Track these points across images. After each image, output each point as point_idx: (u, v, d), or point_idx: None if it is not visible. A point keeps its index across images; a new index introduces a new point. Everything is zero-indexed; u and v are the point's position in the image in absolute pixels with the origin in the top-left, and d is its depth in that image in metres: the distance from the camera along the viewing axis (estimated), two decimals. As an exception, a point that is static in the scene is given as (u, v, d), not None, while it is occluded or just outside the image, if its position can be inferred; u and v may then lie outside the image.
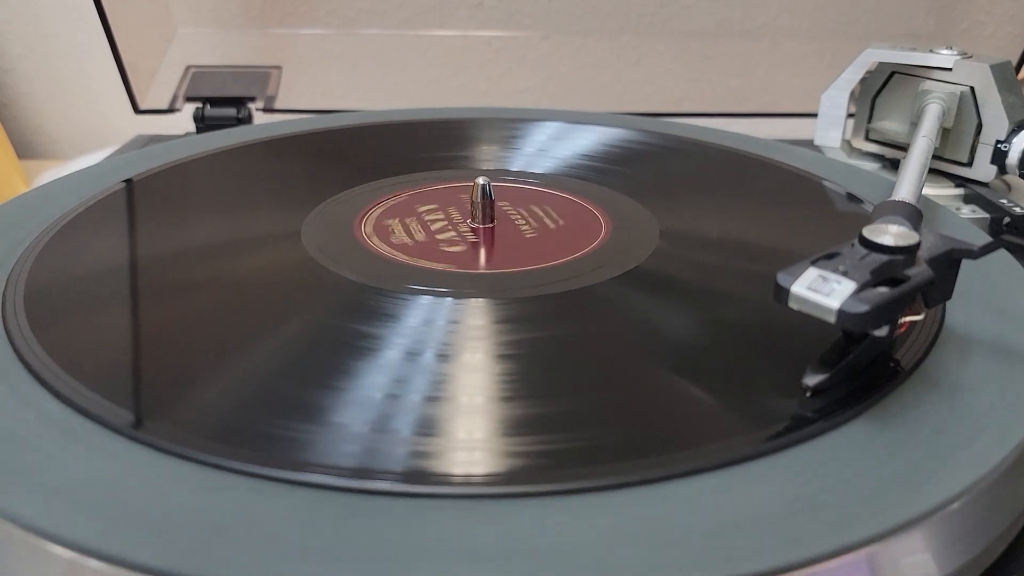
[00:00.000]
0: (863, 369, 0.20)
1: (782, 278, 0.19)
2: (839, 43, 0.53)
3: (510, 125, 0.41)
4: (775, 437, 0.18)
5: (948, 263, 0.21)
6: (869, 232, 0.20)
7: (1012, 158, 0.37)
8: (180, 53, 0.52)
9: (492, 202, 0.30)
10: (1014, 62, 0.40)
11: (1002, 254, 0.27)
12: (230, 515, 0.16)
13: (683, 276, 0.26)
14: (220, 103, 0.49)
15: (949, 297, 0.21)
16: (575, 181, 0.34)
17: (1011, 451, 0.18)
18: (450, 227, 0.30)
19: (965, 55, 0.38)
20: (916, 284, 0.19)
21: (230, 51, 0.53)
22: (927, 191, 0.37)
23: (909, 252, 0.19)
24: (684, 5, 0.55)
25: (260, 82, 0.51)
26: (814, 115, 0.42)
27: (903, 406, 0.20)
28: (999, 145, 0.37)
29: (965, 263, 0.21)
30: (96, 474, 0.17)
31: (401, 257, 0.27)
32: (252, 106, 0.50)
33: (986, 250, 0.20)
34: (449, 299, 0.24)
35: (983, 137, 0.37)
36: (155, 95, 0.50)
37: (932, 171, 0.39)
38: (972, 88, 0.37)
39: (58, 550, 0.15)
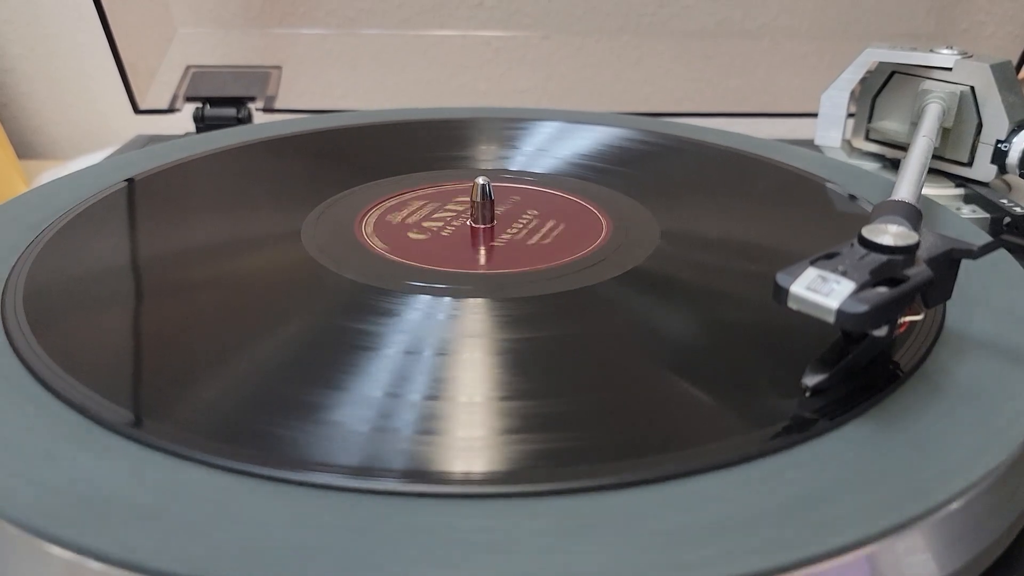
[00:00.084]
0: (862, 369, 0.20)
1: (781, 278, 0.19)
2: (839, 43, 0.53)
3: (510, 125, 0.41)
4: (775, 437, 0.18)
5: (948, 263, 0.21)
6: (868, 232, 0.20)
7: (1012, 158, 0.36)
8: (180, 53, 0.52)
9: (492, 202, 0.30)
10: (1014, 62, 0.40)
11: (1002, 254, 0.27)
12: (230, 515, 0.16)
13: (683, 276, 0.26)
14: (220, 103, 0.49)
15: (949, 297, 0.21)
16: (575, 181, 0.34)
17: (1011, 451, 0.18)
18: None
19: (965, 55, 0.38)
20: (915, 284, 0.19)
21: (230, 51, 0.53)
22: (927, 191, 0.37)
23: (908, 252, 0.19)
24: (684, 5, 0.55)
25: (260, 82, 0.51)
26: (814, 115, 0.42)
27: (903, 406, 0.20)
28: (999, 145, 0.37)
29: (965, 263, 0.21)
30: (96, 474, 0.17)
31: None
32: (252, 106, 0.50)
33: (986, 250, 0.20)
34: (448, 299, 0.24)
35: (983, 137, 0.37)
36: (155, 95, 0.50)
37: (932, 171, 0.39)
38: (972, 88, 0.37)
39: (57, 550, 0.15)
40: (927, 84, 0.38)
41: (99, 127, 0.63)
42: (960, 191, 0.39)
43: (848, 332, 0.20)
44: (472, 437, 0.18)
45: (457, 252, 0.28)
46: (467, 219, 0.30)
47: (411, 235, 0.29)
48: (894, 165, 0.41)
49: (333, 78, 0.55)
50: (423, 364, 0.21)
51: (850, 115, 0.42)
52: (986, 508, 0.18)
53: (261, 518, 0.16)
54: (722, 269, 0.27)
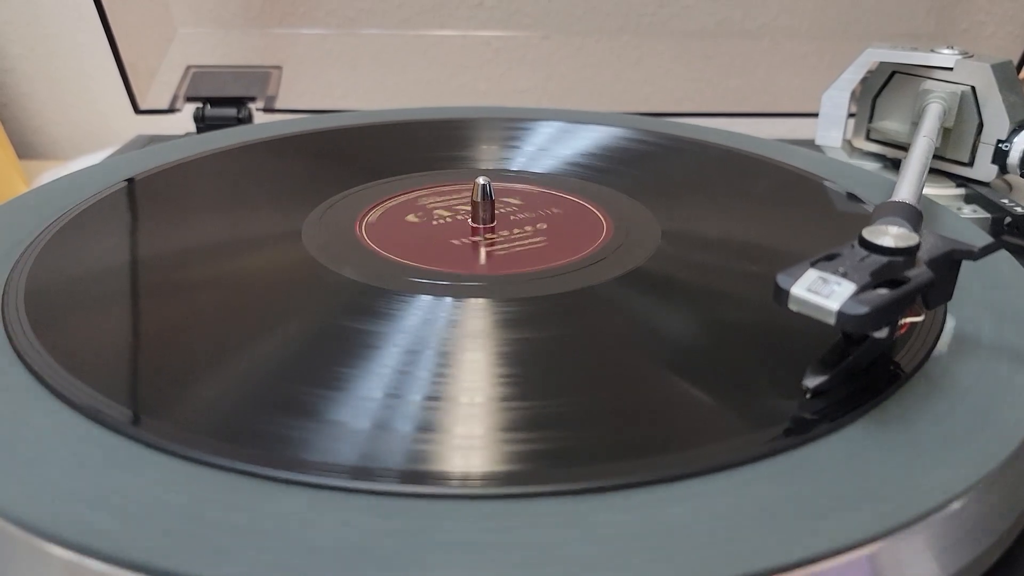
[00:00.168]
0: (863, 371, 0.20)
1: (782, 280, 0.19)
2: (839, 43, 0.53)
3: (510, 125, 0.41)
4: (775, 438, 0.18)
5: (948, 264, 0.21)
6: (869, 233, 0.20)
7: (1013, 158, 0.36)
8: (180, 53, 0.52)
9: (492, 202, 0.30)
10: (1015, 62, 0.40)
11: (1003, 255, 0.27)
12: (230, 515, 0.16)
13: (683, 277, 0.26)
14: (220, 103, 0.49)
15: (949, 298, 0.21)
16: (576, 181, 0.34)
17: (1012, 452, 0.18)
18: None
19: (966, 55, 0.38)
20: (916, 285, 0.19)
21: (230, 51, 0.53)
22: (928, 191, 0.37)
23: (909, 253, 0.19)
24: (684, 5, 0.55)
25: (260, 82, 0.51)
26: (814, 115, 0.42)
27: (903, 408, 0.20)
28: (1000, 145, 0.37)
29: (966, 264, 0.21)
30: (97, 474, 0.17)
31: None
32: (252, 106, 0.50)
33: (986, 251, 0.20)
34: (449, 299, 0.24)
35: (984, 137, 0.37)
36: (155, 95, 0.50)
37: (933, 171, 0.38)
38: (973, 88, 0.37)
39: (57, 550, 0.15)
40: (928, 84, 0.38)
41: (99, 127, 0.63)
42: (961, 191, 0.39)
43: (849, 333, 0.20)
44: (472, 437, 0.18)
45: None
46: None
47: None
48: (895, 165, 0.41)
49: (333, 78, 0.55)
50: (423, 364, 0.21)
51: (851, 115, 0.42)
52: (987, 509, 0.18)
53: (261, 518, 0.16)
54: (723, 270, 0.27)
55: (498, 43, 0.56)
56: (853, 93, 0.41)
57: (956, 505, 0.17)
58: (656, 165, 0.37)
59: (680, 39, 0.55)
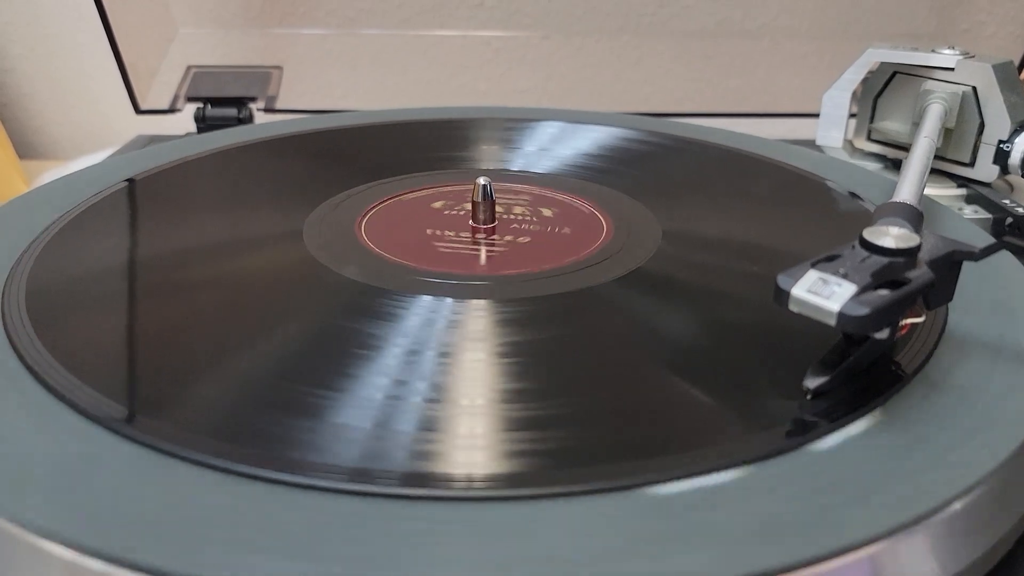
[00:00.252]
0: (864, 371, 0.20)
1: (782, 280, 0.19)
2: (840, 43, 0.53)
3: (511, 125, 0.41)
4: (776, 439, 0.18)
5: (949, 265, 0.20)
6: (870, 234, 0.20)
7: (1014, 158, 0.36)
8: (181, 53, 0.52)
9: (493, 202, 0.30)
10: (1016, 62, 0.40)
11: (1004, 255, 0.27)
12: (230, 516, 0.16)
13: (684, 277, 0.26)
14: (221, 103, 0.49)
15: (950, 299, 0.21)
16: (576, 181, 0.34)
17: (1014, 453, 0.18)
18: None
19: (967, 55, 0.38)
20: (917, 286, 0.19)
21: (231, 51, 0.53)
22: (929, 191, 0.37)
23: (910, 254, 0.19)
24: (684, 5, 0.55)
25: (261, 82, 0.51)
26: (815, 115, 0.42)
27: (904, 408, 0.19)
28: (1001, 145, 0.37)
29: (967, 264, 0.21)
30: (97, 474, 0.17)
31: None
32: (253, 106, 0.50)
33: (988, 252, 0.20)
34: (450, 299, 0.24)
35: (985, 137, 0.37)
36: (156, 95, 0.50)
37: (934, 171, 0.38)
38: (974, 88, 0.37)
39: (58, 549, 0.15)
40: (929, 84, 0.38)
41: (100, 127, 0.63)
42: (962, 191, 0.39)
43: (849, 334, 0.20)
44: (473, 439, 0.18)
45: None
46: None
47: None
48: (896, 165, 0.41)
49: (334, 78, 0.55)
50: (424, 365, 0.21)
51: (852, 115, 0.42)
52: (989, 509, 0.18)
53: (261, 519, 0.16)
54: (723, 270, 0.27)
55: (498, 43, 0.56)
56: (854, 93, 0.41)
57: (957, 506, 0.17)
58: (657, 165, 0.37)
59: (680, 39, 0.55)
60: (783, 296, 0.19)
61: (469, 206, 0.30)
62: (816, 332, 0.19)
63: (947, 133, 0.38)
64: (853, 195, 0.33)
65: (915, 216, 0.24)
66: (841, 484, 0.17)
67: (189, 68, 0.52)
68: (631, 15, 0.55)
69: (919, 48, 0.39)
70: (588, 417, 0.19)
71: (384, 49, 0.54)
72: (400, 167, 0.35)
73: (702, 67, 0.56)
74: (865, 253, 0.19)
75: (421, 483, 0.17)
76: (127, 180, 0.33)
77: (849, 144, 0.43)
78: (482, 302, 0.24)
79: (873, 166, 0.41)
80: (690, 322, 0.24)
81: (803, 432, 0.18)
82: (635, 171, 0.35)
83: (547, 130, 0.40)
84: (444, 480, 0.17)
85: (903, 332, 0.22)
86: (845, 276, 0.18)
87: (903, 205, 0.24)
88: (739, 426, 0.19)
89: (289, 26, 0.53)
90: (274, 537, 0.15)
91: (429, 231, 0.29)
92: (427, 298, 0.24)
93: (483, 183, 0.29)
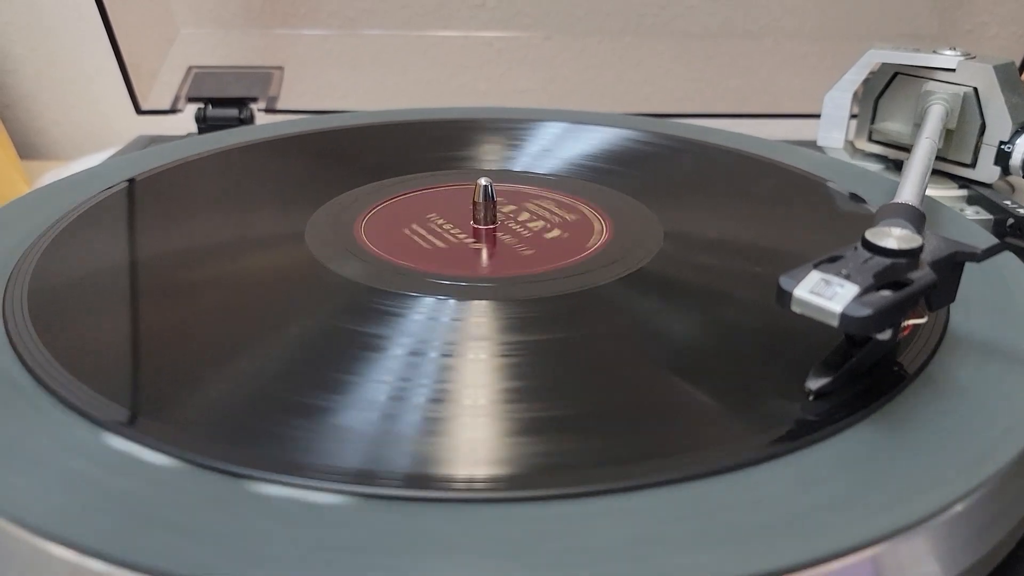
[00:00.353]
0: (866, 372, 0.20)
1: (784, 281, 0.19)
2: (841, 44, 0.53)
3: (512, 125, 0.41)
4: (778, 440, 0.18)
5: (951, 266, 0.20)
6: (872, 235, 0.20)
7: (1016, 159, 0.36)
8: (182, 54, 0.52)
9: (494, 203, 0.30)
10: (1017, 63, 0.40)
11: (1006, 256, 0.27)
12: (231, 517, 0.16)
13: (687, 278, 0.26)
14: (222, 103, 0.49)
15: (952, 300, 0.21)
16: (578, 182, 0.34)
17: (1016, 453, 0.18)
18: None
19: (968, 56, 0.38)
20: (919, 287, 0.19)
21: (232, 51, 0.53)
22: (930, 192, 0.37)
23: (912, 255, 0.19)
24: (686, 6, 0.55)
25: (262, 82, 0.51)
26: (816, 116, 0.42)
27: (906, 409, 0.19)
28: (1002, 146, 0.37)
29: (969, 265, 0.21)
30: (98, 475, 0.17)
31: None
32: (254, 106, 0.50)
33: (990, 253, 0.20)
34: (452, 300, 0.24)
35: (986, 138, 0.37)
36: (157, 96, 0.50)
37: (935, 172, 0.38)
38: (975, 89, 0.37)
39: (60, 551, 0.15)
40: (930, 85, 0.38)
41: (101, 128, 0.63)
42: (963, 192, 0.39)
43: (852, 336, 0.20)
44: (476, 441, 0.18)
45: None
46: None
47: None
48: (897, 166, 0.41)
49: (335, 78, 0.55)
50: (426, 367, 0.21)
51: (853, 116, 0.42)
52: (991, 511, 0.17)
53: (262, 520, 0.16)
54: (726, 271, 0.27)
55: (500, 44, 0.56)
56: (855, 94, 0.41)
57: (959, 507, 0.17)
58: (658, 166, 0.37)
59: (682, 40, 0.55)
60: (785, 297, 0.19)
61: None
62: (818, 333, 0.19)
63: (948, 134, 0.38)
64: (854, 196, 0.33)
65: (917, 217, 0.24)
66: (843, 485, 0.17)
67: (190, 68, 0.52)
68: (633, 16, 0.55)
69: (920, 49, 0.39)
70: (589, 419, 0.19)
71: (385, 49, 0.54)
72: (401, 168, 0.35)
73: (703, 68, 0.56)
74: (867, 254, 0.19)
75: (422, 485, 0.17)
76: (128, 181, 0.33)
77: (850, 145, 0.43)
78: (484, 303, 0.24)
79: (874, 167, 0.41)
80: (692, 323, 0.24)
81: (805, 433, 0.18)
82: (637, 172, 0.35)
83: (549, 131, 0.40)
84: (445, 481, 0.17)
85: (905, 333, 0.22)
86: (847, 277, 0.18)
87: (905, 206, 0.24)
88: (741, 427, 0.19)
89: (290, 26, 0.53)
90: (275, 539, 0.15)
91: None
92: (428, 299, 0.24)
93: (484, 184, 0.29)
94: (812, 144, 0.43)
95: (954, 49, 0.38)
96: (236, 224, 0.30)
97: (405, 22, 0.54)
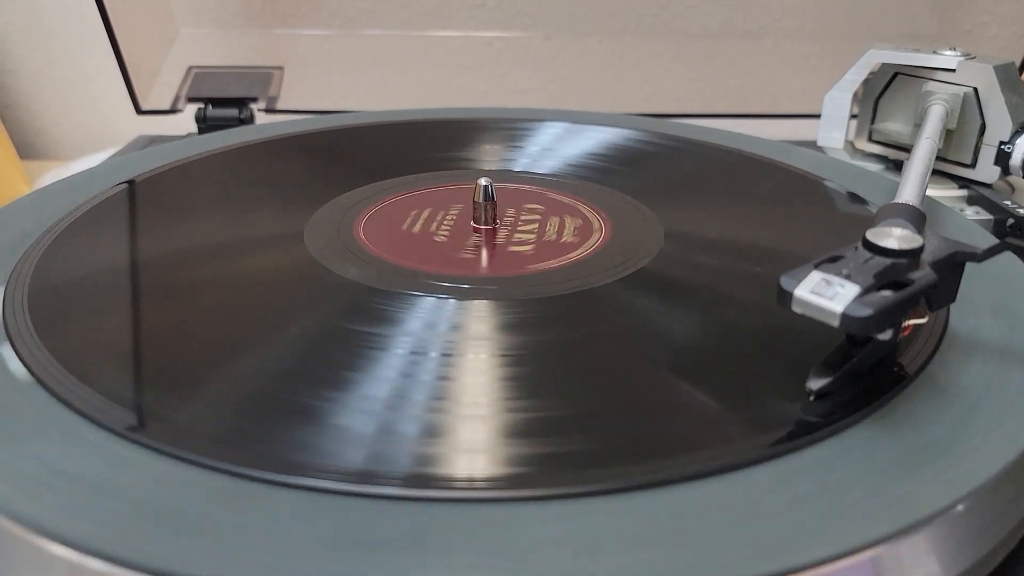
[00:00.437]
0: (867, 373, 0.20)
1: (785, 281, 0.19)
2: (841, 44, 0.53)
3: (512, 125, 0.41)
4: (779, 441, 0.18)
5: (952, 266, 0.20)
6: (872, 235, 0.20)
7: (1016, 159, 0.36)
8: (182, 54, 0.52)
9: (495, 203, 0.30)
10: (1017, 63, 0.40)
11: (1006, 256, 0.27)
12: (231, 518, 0.16)
13: (687, 278, 0.26)
14: (222, 103, 0.49)
15: (953, 300, 0.21)
16: (578, 182, 0.34)
17: (1017, 454, 0.18)
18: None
19: (968, 56, 0.38)
20: (920, 287, 0.19)
21: (232, 51, 0.53)
22: (930, 192, 0.37)
23: (913, 255, 0.19)
24: (686, 6, 0.55)
25: (262, 82, 0.51)
26: (816, 116, 0.42)
27: (907, 410, 0.19)
28: (1002, 146, 0.37)
29: (969, 265, 0.21)
30: (98, 475, 0.17)
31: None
32: (254, 106, 0.50)
33: (990, 253, 0.20)
34: (452, 301, 0.24)
35: (986, 138, 0.37)
36: (157, 96, 0.50)
37: (935, 172, 0.38)
38: (975, 89, 0.37)
39: (60, 550, 0.15)
40: (930, 85, 0.38)
41: (101, 128, 0.63)
42: (963, 192, 0.39)
43: (852, 336, 0.20)
44: (476, 441, 0.18)
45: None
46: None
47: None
48: (897, 166, 0.41)
49: (335, 79, 0.55)
50: (426, 367, 0.21)
51: (853, 116, 0.42)
52: (991, 511, 0.17)
53: (262, 520, 0.16)
54: (726, 271, 0.27)
55: (500, 44, 0.56)
56: (855, 94, 0.41)
57: (961, 508, 0.17)
58: (658, 166, 0.37)
59: (682, 40, 0.55)
60: (786, 297, 0.19)
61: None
62: (819, 333, 0.19)
63: (948, 134, 0.38)
64: (855, 196, 0.33)
65: (918, 217, 0.24)
66: (843, 485, 0.17)
67: (190, 68, 0.52)
68: (633, 16, 0.55)
69: (920, 49, 0.39)
70: (589, 419, 0.19)
71: (385, 49, 0.54)
72: (401, 168, 0.35)
73: (703, 68, 0.56)
74: (868, 254, 0.19)
75: (423, 485, 0.17)
76: (128, 181, 0.33)
77: (850, 145, 0.43)
78: (484, 303, 0.24)
79: (874, 167, 0.41)
80: (692, 323, 0.24)
81: (806, 433, 0.18)
82: (637, 172, 0.35)
83: (549, 131, 0.40)
84: (445, 481, 0.17)
85: (906, 333, 0.22)
86: (848, 277, 0.18)
87: (905, 206, 0.24)
88: (741, 427, 0.19)
89: (290, 26, 0.53)
90: (275, 539, 0.15)
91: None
92: (428, 299, 0.24)
93: (484, 184, 0.29)
94: (812, 144, 0.43)
95: (954, 49, 0.38)
96: (236, 224, 0.30)
97: (405, 22, 0.54)
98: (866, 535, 0.16)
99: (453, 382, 0.20)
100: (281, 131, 0.40)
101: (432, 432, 0.18)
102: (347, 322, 0.23)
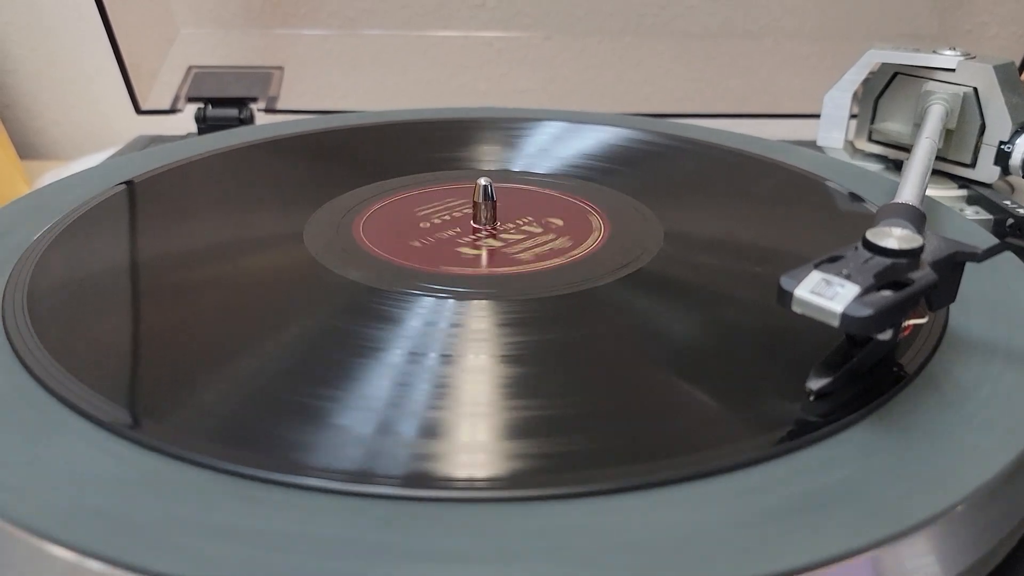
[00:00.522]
0: (867, 373, 0.20)
1: (785, 281, 0.19)
2: (841, 44, 0.53)
3: (512, 125, 0.41)
4: (779, 441, 0.18)
5: (952, 266, 0.20)
6: (872, 235, 0.20)
7: (1015, 159, 0.36)
8: (182, 53, 0.52)
9: (494, 203, 0.30)
10: (1017, 63, 0.40)
11: (1006, 256, 0.27)
12: (231, 518, 0.16)
13: (686, 278, 0.26)
14: (222, 103, 0.49)
15: (953, 300, 0.21)
16: (578, 182, 0.34)
17: (1016, 454, 0.18)
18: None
19: (968, 56, 0.38)
20: (920, 287, 0.19)
21: (232, 51, 0.53)
22: (930, 192, 0.37)
23: (913, 255, 0.19)
24: (686, 6, 0.55)
25: (262, 82, 0.51)
26: (816, 116, 0.42)
27: (907, 409, 0.19)
28: (1002, 146, 0.37)
29: (969, 265, 0.21)
30: (98, 476, 0.17)
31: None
32: (254, 106, 0.50)
33: (990, 253, 0.20)
34: (451, 301, 0.24)
35: (986, 138, 0.37)
36: (157, 96, 0.50)
37: (935, 172, 0.38)
38: (975, 89, 0.37)
39: (59, 551, 0.15)
40: (930, 85, 0.38)
41: (101, 128, 0.63)
42: (963, 192, 0.39)
43: (852, 336, 0.20)
44: (475, 441, 0.18)
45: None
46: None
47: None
48: (897, 166, 0.41)
49: (335, 79, 0.55)
50: (425, 367, 0.21)
51: (853, 116, 0.42)
52: (991, 511, 0.17)
53: (261, 521, 0.16)
54: (726, 271, 0.27)
55: (500, 44, 0.56)
56: (855, 94, 0.41)
57: (960, 507, 0.17)
58: (658, 166, 0.37)
59: (682, 40, 0.55)
60: (786, 297, 0.19)
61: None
62: (818, 333, 0.19)
63: (948, 134, 0.38)
64: (855, 196, 0.33)
65: (918, 217, 0.24)
66: (843, 485, 0.17)
67: (190, 68, 0.52)
68: (633, 16, 0.55)
69: (920, 49, 0.39)
70: (589, 419, 0.19)
71: (385, 49, 0.54)
72: (401, 168, 0.35)
73: (703, 68, 0.56)
74: (868, 254, 0.19)
75: (423, 485, 0.17)
76: (128, 181, 0.33)
77: (850, 145, 0.43)
78: (483, 303, 0.24)
79: (874, 167, 0.41)
80: (692, 323, 0.24)
81: (805, 433, 0.18)
82: (637, 172, 0.35)
83: (548, 131, 0.40)
84: (445, 481, 0.17)
85: (906, 333, 0.22)
86: (848, 277, 0.18)
87: (905, 206, 0.24)
88: (740, 427, 0.19)
89: (290, 26, 0.53)
90: (275, 539, 0.15)
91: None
92: (428, 299, 0.24)
93: (484, 183, 0.29)
94: (812, 144, 0.43)
95: (954, 49, 0.38)
96: (236, 225, 0.30)
97: (405, 22, 0.54)
98: (866, 535, 0.16)
99: (452, 382, 0.20)
100: (281, 131, 0.40)
101: (432, 432, 0.18)
102: (347, 322, 0.23)
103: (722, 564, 0.15)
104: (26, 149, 0.62)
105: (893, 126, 0.41)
